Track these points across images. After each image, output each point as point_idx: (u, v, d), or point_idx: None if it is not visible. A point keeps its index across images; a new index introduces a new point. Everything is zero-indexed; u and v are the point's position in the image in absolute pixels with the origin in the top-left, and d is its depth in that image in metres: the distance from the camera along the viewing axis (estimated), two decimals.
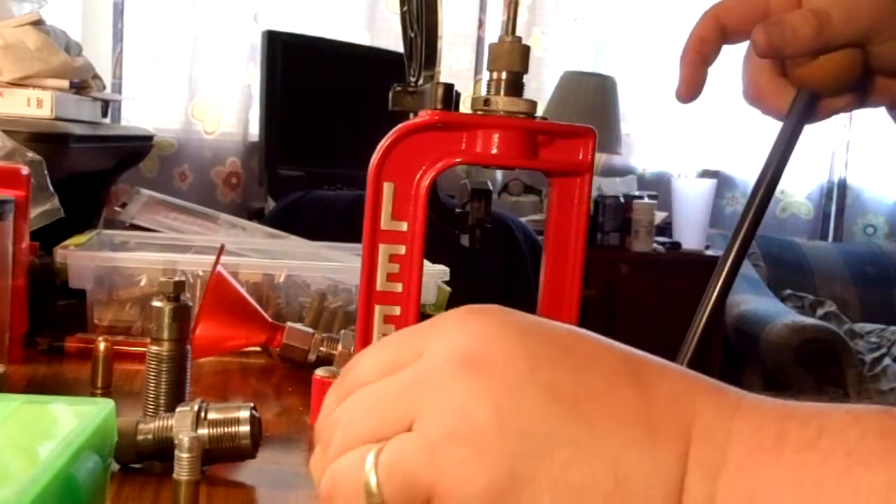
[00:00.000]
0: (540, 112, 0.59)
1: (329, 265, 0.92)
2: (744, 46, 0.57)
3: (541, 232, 1.37)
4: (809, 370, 2.52)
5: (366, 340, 0.61)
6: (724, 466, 0.29)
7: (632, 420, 0.30)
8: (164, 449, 0.50)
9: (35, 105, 1.17)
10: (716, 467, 0.29)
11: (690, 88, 0.56)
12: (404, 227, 0.60)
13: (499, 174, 2.69)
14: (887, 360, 2.68)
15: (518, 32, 0.59)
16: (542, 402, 0.30)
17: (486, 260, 1.95)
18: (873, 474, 0.27)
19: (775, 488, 0.29)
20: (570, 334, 0.32)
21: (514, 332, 0.32)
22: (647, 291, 2.67)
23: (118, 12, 2.45)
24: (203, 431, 0.50)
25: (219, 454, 0.51)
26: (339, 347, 0.73)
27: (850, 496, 0.27)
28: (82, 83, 1.30)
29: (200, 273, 0.84)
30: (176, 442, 0.45)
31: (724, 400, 0.31)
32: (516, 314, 0.33)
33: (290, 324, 0.76)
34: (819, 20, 0.50)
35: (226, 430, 0.50)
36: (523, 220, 2.34)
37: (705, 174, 2.98)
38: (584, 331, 0.33)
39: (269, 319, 0.76)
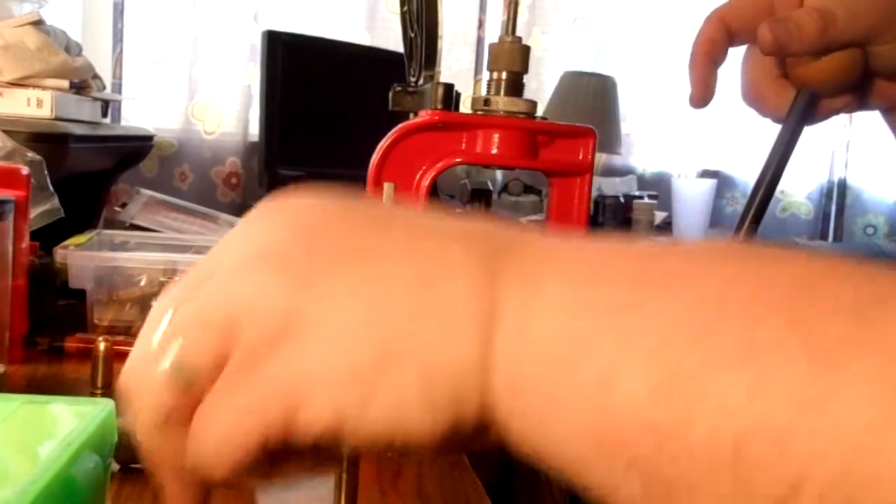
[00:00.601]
0: (540, 112, 0.59)
1: None
2: (742, 46, 0.57)
3: None
4: None
5: None
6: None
7: (435, 237, 0.28)
8: None
9: (35, 105, 1.17)
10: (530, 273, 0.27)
11: (703, 93, 0.56)
12: None
13: (499, 174, 2.69)
14: None
15: (518, 32, 0.59)
16: (343, 223, 0.29)
17: None
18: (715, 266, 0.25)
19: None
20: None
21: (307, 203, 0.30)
22: None
23: (118, 12, 2.45)
24: None
25: None
26: None
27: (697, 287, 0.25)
28: (82, 83, 1.30)
29: None
30: None
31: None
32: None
33: None
34: (824, 19, 0.50)
35: None
36: (523, 220, 2.34)
37: (705, 174, 2.98)
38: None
39: None
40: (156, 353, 0.28)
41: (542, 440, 0.26)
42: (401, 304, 0.27)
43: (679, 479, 0.23)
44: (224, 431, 0.27)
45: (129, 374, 0.29)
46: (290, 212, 0.29)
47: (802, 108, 0.54)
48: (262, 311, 0.27)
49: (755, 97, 0.57)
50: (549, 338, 0.25)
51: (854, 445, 0.20)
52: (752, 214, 0.52)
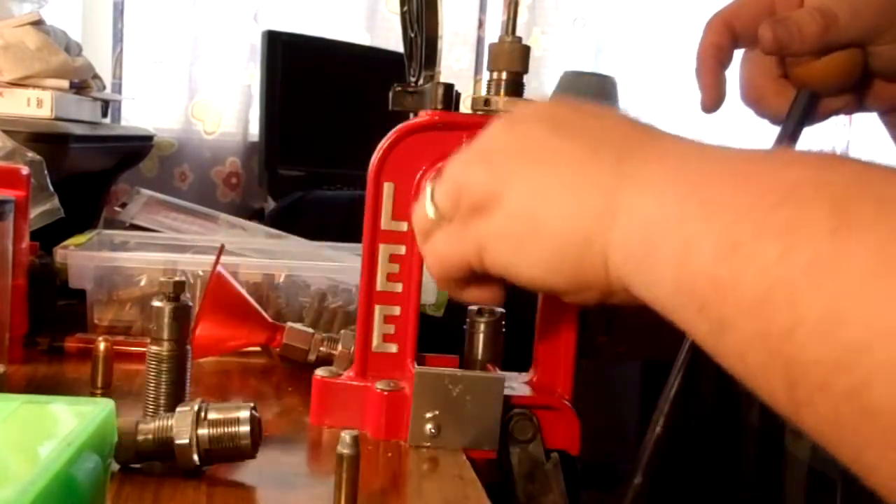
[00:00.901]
0: None
1: (329, 265, 0.92)
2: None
3: None
4: None
5: (366, 341, 0.61)
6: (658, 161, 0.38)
7: (587, 143, 0.41)
8: (164, 449, 0.50)
9: (35, 105, 1.17)
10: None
11: (714, 97, 0.56)
12: (404, 227, 0.60)
13: None
14: None
15: (518, 32, 0.59)
16: (537, 132, 0.43)
17: None
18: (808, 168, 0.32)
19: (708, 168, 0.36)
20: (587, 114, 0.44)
21: (542, 107, 0.46)
22: None
23: (118, 12, 2.45)
24: (203, 431, 0.50)
25: (219, 454, 0.51)
26: (339, 347, 0.73)
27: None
28: (82, 83, 1.30)
29: (200, 273, 0.84)
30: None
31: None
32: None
33: (290, 324, 0.76)
34: (825, 18, 0.50)
35: (226, 430, 0.50)
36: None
37: None
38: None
39: (269, 319, 0.76)
40: (426, 200, 0.47)
41: (648, 294, 0.37)
42: (551, 195, 0.40)
43: (728, 319, 0.31)
44: (443, 255, 0.47)
45: (412, 213, 0.51)
46: (511, 123, 0.45)
47: (802, 108, 0.54)
48: (474, 191, 0.43)
49: (755, 97, 0.57)
50: (651, 220, 0.36)
51: (839, 294, 0.27)
52: None
